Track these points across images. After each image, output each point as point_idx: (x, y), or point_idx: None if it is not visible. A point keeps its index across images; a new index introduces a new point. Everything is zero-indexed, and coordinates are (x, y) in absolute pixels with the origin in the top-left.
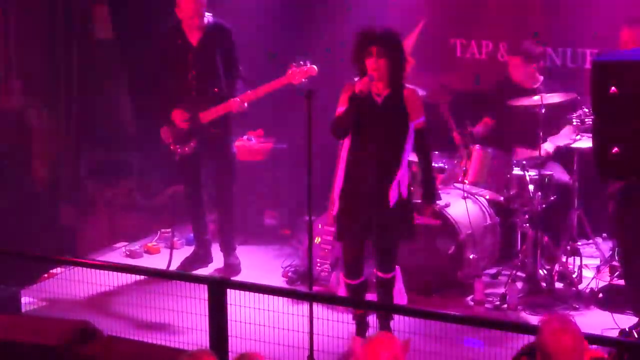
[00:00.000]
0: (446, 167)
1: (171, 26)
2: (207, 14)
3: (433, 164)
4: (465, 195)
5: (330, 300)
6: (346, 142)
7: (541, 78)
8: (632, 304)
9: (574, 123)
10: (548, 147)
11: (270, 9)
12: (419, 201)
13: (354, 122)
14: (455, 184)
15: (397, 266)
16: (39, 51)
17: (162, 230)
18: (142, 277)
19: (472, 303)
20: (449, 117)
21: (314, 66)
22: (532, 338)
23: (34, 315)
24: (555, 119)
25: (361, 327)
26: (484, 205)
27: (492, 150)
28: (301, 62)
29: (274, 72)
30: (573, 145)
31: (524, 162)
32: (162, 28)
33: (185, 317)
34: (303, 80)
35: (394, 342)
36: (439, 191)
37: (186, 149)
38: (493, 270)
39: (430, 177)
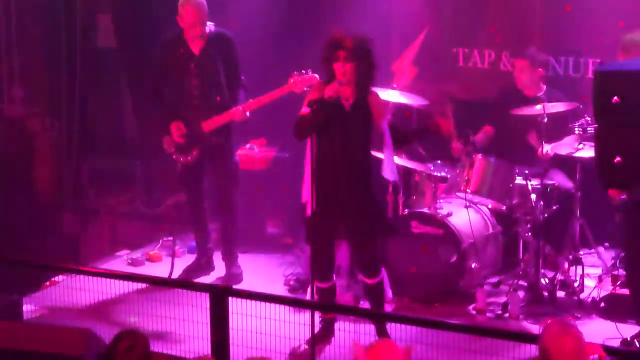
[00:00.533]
0: (448, 176)
1: (173, 35)
2: (208, 23)
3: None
4: (468, 204)
5: (331, 308)
6: (313, 145)
7: (544, 87)
8: (636, 313)
9: (576, 132)
10: (548, 148)
11: (272, 19)
12: (424, 210)
13: (320, 126)
14: (458, 193)
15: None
16: (41, 60)
17: (164, 238)
18: (144, 285)
19: (474, 312)
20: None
21: (316, 75)
22: (533, 347)
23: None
24: (558, 128)
25: (326, 331)
26: (486, 215)
27: (494, 159)
28: (303, 71)
29: (276, 81)
30: (575, 155)
31: (527, 170)
32: (164, 37)
33: (187, 325)
34: (305, 89)
35: (395, 349)
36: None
37: (188, 158)
38: (495, 279)
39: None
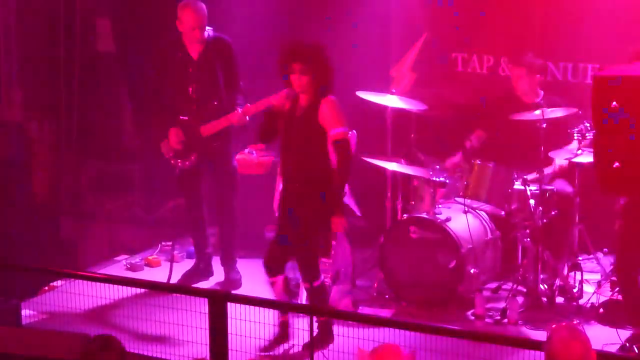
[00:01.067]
0: (447, 181)
1: (172, 39)
2: (207, 27)
3: (345, 180)
4: (466, 209)
5: (330, 314)
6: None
7: (542, 93)
8: (629, 317)
9: (575, 138)
10: (559, 161)
11: (271, 24)
12: (423, 215)
13: (271, 131)
14: (457, 198)
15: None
16: (40, 63)
17: (163, 243)
18: (143, 290)
19: (472, 317)
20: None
21: None
22: (532, 353)
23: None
24: (556, 133)
25: (282, 332)
26: (485, 220)
27: (493, 164)
28: None
29: (275, 86)
30: (574, 160)
31: (526, 176)
32: (162, 41)
33: (186, 330)
34: None
35: (399, 353)
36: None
37: (187, 162)
38: (494, 285)
39: (335, 190)
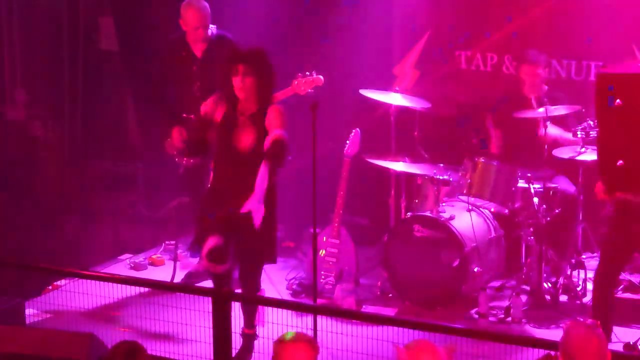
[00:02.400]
0: (451, 179)
1: (175, 38)
2: (211, 25)
3: (269, 176)
4: (470, 207)
5: (334, 312)
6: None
7: (545, 88)
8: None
9: (579, 135)
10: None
11: (274, 21)
12: (427, 213)
13: (202, 144)
14: (460, 197)
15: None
16: (44, 62)
17: (167, 242)
18: (147, 289)
19: (476, 316)
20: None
21: (320, 76)
22: (536, 351)
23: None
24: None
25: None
26: (488, 218)
27: (496, 162)
28: (307, 73)
29: (280, 83)
30: (578, 158)
31: (529, 173)
32: (166, 39)
33: (190, 329)
34: (309, 90)
35: (435, 348)
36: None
37: (191, 160)
38: (497, 283)
39: (259, 181)
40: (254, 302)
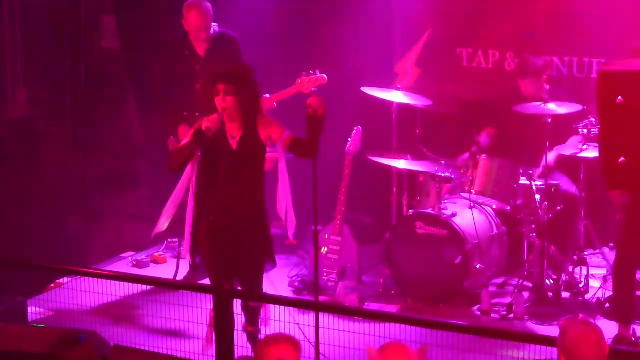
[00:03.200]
0: (453, 176)
1: (178, 36)
2: (213, 24)
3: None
4: (472, 205)
5: (336, 310)
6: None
7: (547, 87)
8: (616, 311)
9: (580, 132)
10: (550, 157)
11: (275, 19)
12: (429, 211)
13: (189, 160)
14: (462, 194)
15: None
16: (46, 61)
17: (169, 240)
18: (149, 287)
19: (478, 313)
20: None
21: (324, 75)
22: (538, 348)
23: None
24: (562, 128)
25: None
26: (490, 215)
27: (498, 160)
28: (311, 72)
29: (283, 82)
30: (579, 155)
31: (531, 171)
32: (169, 38)
33: (192, 326)
34: (313, 89)
35: (408, 349)
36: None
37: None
38: (500, 280)
39: (284, 186)
40: (255, 299)
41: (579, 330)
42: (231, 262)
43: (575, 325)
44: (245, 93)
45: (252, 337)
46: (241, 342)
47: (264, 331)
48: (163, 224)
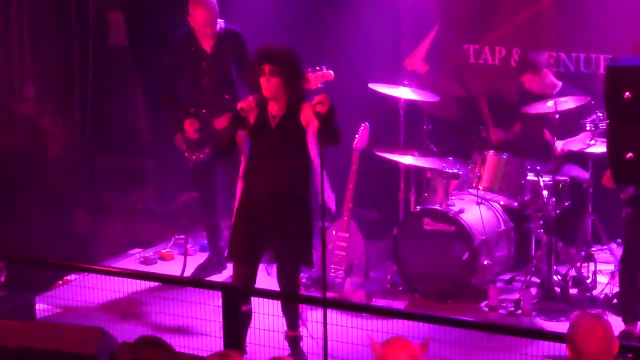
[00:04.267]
0: (460, 172)
1: (184, 33)
2: (219, 20)
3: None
4: (480, 201)
5: (344, 306)
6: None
7: (560, 84)
8: (622, 307)
9: (588, 128)
10: (559, 144)
11: (283, 15)
12: (436, 207)
13: (233, 143)
14: (470, 190)
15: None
16: (53, 58)
17: (177, 236)
18: (156, 283)
19: (486, 309)
20: (487, 114)
21: (331, 71)
22: (546, 344)
23: (49, 321)
24: (570, 124)
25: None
26: (498, 211)
27: (506, 155)
28: (317, 67)
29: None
30: (587, 151)
31: (539, 167)
32: (175, 35)
33: (200, 323)
34: (319, 85)
35: (410, 343)
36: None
37: (201, 155)
38: (507, 276)
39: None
40: (264, 296)
41: (585, 323)
42: (263, 244)
43: (583, 318)
44: (290, 75)
45: (293, 342)
46: (249, 339)
47: (306, 333)
48: None
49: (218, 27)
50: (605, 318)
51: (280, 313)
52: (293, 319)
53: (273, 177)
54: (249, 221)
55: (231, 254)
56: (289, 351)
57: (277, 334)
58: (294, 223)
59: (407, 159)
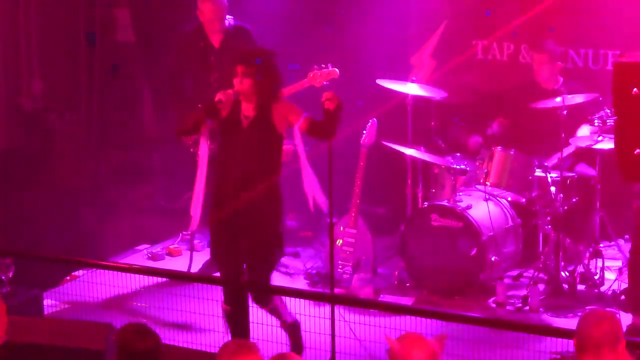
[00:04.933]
0: (468, 169)
1: (193, 28)
2: (228, 16)
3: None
4: (487, 197)
5: (352, 302)
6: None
7: (561, 79)
8: (630, 302)
9: (596, 124)
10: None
11: (290, 11)
12: (444, 203)
13: (199, 126)
14: (477, 186)
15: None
16: (60, 54)
17: (184, 232)
18: (164, 279)
19: (494, 305)
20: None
21: (336, 69)
22: (553, 340)
23: (57, 317)
24: (577, 120)
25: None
26: (505, 207)
27: (513, 151)
28: (322, 65)
29: (296, 75)
30: (595, 147)
31: (546, 163)
32: (184, 30)
33: (207, 319)
34: (325, 83)
35: (425, 339)
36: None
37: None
38: (515, 272)
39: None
40: (272, 292)
41: (595, 315)
42: (239, 247)
43: (595, 311)
44: (263, 77)
45: (292, 330)
46: (257, 335)
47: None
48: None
49: (227, 23)
50: (618, 316)
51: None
52: (279, 315)
53: (242, 178)
54: (220, 222)
55: (212, 256)
56: (289, 341)
57: (280, 329)
58: (259, 225)
59: (415, 154)
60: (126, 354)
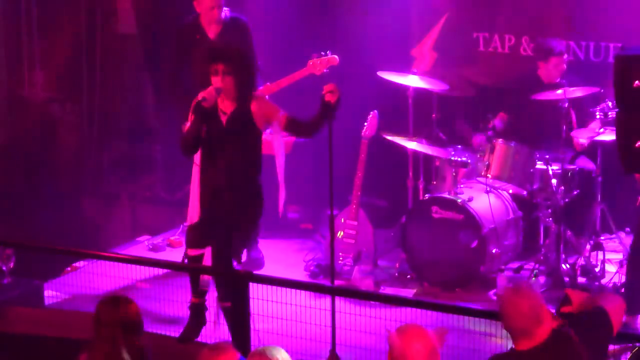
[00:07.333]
0: (469, 161)
1: (189, 21)
2: (224, 8)
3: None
4: (488, 189)
5: (352, 294)
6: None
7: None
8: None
9: (598, 116)
10: (583, 140)
11: (293, 2)
12: (445, 195)
13: (201, 138)
14: (478, 178)
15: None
16: (62, 45)
17: (185, 224)
18: (165, 270)
19: (494, 297)
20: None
21: (335, 56)
22: None
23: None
24: (578, 112)
25: (196, 318)
26: (507, 200)
27: (515, 144)
28: (322, 53)
29: (295, 64)
30: (596, 139)
31: (547, 155)
32: (180, 22)
33: (208, 310)
34: (325, 70)
35: (426, 331)
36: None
37: None
38: (515, 265)
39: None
40: (273, 283)
41: (509, 300)
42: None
43: (508, 295)
44: (242, 74)
45: (227, 312)
46: (258, 326)
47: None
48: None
49: (223, 14)
50: (528, 289)
51: (282, 300)
52: (225, 291)
53: (224, 171)
54: (204, 212)
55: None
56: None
57: (280, 321)
58: (237, 215)
59: (416, 147)
60: (102, 324)
